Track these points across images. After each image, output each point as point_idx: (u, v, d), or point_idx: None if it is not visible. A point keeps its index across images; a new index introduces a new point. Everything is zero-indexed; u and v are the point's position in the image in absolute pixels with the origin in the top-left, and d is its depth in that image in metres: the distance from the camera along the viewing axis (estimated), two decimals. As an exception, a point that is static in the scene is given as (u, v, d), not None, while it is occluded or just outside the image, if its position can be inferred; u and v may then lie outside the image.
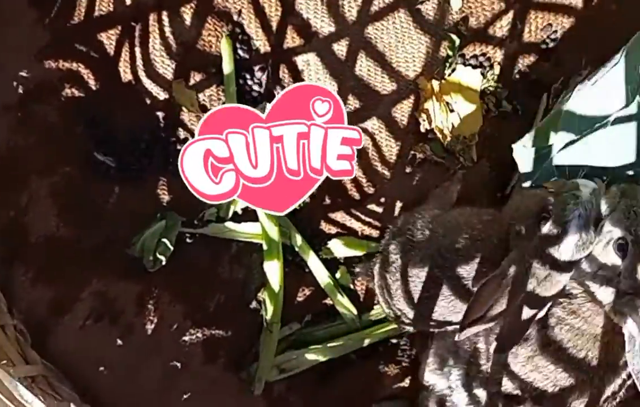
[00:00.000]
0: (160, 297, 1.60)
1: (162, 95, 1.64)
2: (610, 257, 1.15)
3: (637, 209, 1.14)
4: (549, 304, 1.19)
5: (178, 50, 1.64)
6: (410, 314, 1.41)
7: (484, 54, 1.62)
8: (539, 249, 1.14)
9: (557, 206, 1.13)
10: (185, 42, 1.64)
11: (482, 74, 1.60)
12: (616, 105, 1.26)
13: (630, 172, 1.32)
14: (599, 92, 1.26)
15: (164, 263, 1.58)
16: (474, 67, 1.61)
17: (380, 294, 1.50)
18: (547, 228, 1.13)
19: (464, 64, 1.61)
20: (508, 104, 1.60)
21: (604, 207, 1.16)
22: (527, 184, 1.35)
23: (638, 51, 1.26)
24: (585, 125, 1.28)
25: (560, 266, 1.14)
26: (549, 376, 1.23)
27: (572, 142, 1.31)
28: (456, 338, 1.19)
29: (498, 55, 1.62)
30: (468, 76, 1.60)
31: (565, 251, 1.12)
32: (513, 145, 1.34)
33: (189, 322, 1.60)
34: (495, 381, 1.27)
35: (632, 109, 1.29)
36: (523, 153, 1.35)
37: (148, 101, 1.64)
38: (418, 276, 1.35)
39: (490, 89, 1.60)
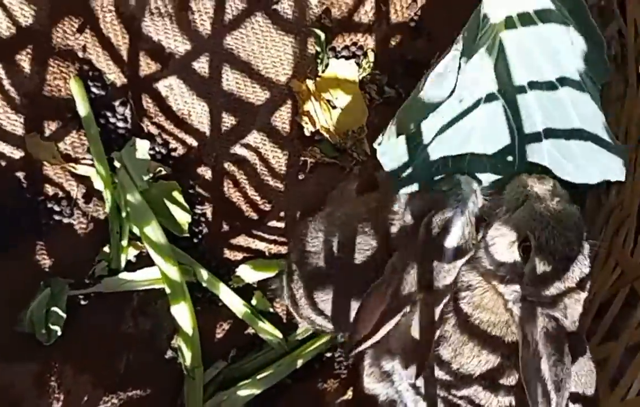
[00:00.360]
0: (62, 371, 1.48)
1: (17, 153, 1.51)
2: (514, 257, 1.14)
3: (544, 212, 1.12)
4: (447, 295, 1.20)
5: (23, 102, 1.51)
6: (319, 320, 1.38)
7: (355, 43, 1.57)
8: (423, 246, 1.15)
9: (440, 204, 1.16)
10: (28, 92, 1.51)
11: (357, 63, 1.56)
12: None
13: (509, 158, 1.29)
14: (438, 78, 1.20)
15: (59, 333, 1.47)
16: (347, 58, 1.56)
17: (292, 307, 1.45)
18: (431, 225, 1.15)
19: (337, 57, 1.56)
20: (390, 89, 1.57)
21: (504, 204, 1.17)
22: (406, 190, 1.27)
23: (473, 30, 1.22)
24: (421, 115, 1.22)
25: (447, 258, 1.16)
26: (474, 370, 1.22)
27: (440, 131, 1.26)
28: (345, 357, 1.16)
29: (369, 41, 1.58)
30: (343, 69, 1.55)
31: (449, 244, 1.15)
32: (374, 145, 1.26)
33: (100, 390, 1.50)
34: (430, 380, 1.26)
35: (491, 87, 1.25)
36: (387, 149, 1.26)
37: (3, 163, 1.51)
38: (319, 281, 1.33)
39: (369, 77, 1.57)
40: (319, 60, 1.55)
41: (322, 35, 1.54)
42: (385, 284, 1.14)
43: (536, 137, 1.28)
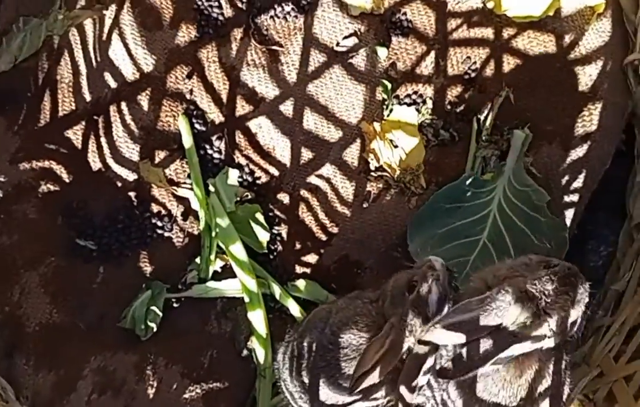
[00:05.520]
0: (156, 362, 1.60)
1: (131, 176, 1.67)
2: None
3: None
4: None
5: (140, 134, 1.68)
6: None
7: (415, 92, 1.68)
8: (412, 307, 1.22)
9: (421, 274, 1.25)
10: (145, 125, 1.68)
11: (417, 110, 1.66)
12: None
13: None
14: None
15: (155, 330, 1.60)
16: (409, 104, 1.67)
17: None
18: (416, 291, 1.23)
19: (400, 104, 1.67)
20: (445, 132, 1.66)
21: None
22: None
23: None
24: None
25: (432, 317, 1.22)
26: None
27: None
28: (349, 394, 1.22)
29: (428, 91, 1.68)
30: (405, 114, 1.65)
31: (432, 303, 1.22)
32: None
33: (187, 380, 1.60)
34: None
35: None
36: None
37: (119, 184, 1.67)
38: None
39: (427, 121, 1.66)
40: (384, 106, 1.67)
41: (389, 85, 1.66)
42: (384, 337, 1.21)
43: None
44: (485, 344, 1.13)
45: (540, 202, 1.55)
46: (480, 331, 1.13)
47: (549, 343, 1.16)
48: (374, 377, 1.20)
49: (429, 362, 1.21)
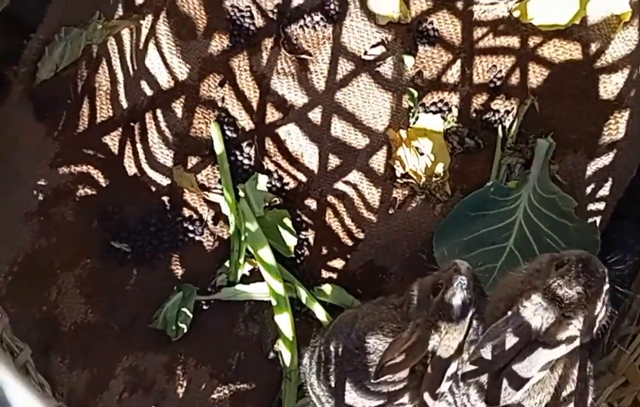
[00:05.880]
0: (186, 362, 1.64)
1: (164, 181, 1.71)
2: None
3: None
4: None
5: (174, 140, 1.72)
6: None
7: (441, 101, 1.69)
8: (437, 310, 1.23)
9: (446, 278, 1.25)
10: (179, 132, 1.72)
11: (443, 118, 1.68)
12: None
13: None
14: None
15: (185, 331, 1.63)
16: (435, 112, 1.68)
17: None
18: (441, 294, 1.23)
19: (426, 112, 1.69)
20: (470, 140, 1.67)
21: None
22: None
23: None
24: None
25: (456, 320, 1.22)
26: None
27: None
28: (371, 381, 1.24)
29: (454, 99, 1.70)
30: (431, 122, 1.67)
31: (456, 307, 1.22)
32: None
33: (215, 381, 1.63)
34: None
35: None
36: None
37: (153, 189, 1.72)
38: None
39: (453, 129, 1.68)
40: (410, 114, 1.69)
41: (415, 93, 1.68)
42: (410, 333, 1.22)
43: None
44: (521, 364, 1.14)
45: (568, 208, 1.55)
46: (513, 350, 1.14)
47: (580, 341, 1.16)
48: (399, 368, 1.21)
49: (453, 367, 1.22)
